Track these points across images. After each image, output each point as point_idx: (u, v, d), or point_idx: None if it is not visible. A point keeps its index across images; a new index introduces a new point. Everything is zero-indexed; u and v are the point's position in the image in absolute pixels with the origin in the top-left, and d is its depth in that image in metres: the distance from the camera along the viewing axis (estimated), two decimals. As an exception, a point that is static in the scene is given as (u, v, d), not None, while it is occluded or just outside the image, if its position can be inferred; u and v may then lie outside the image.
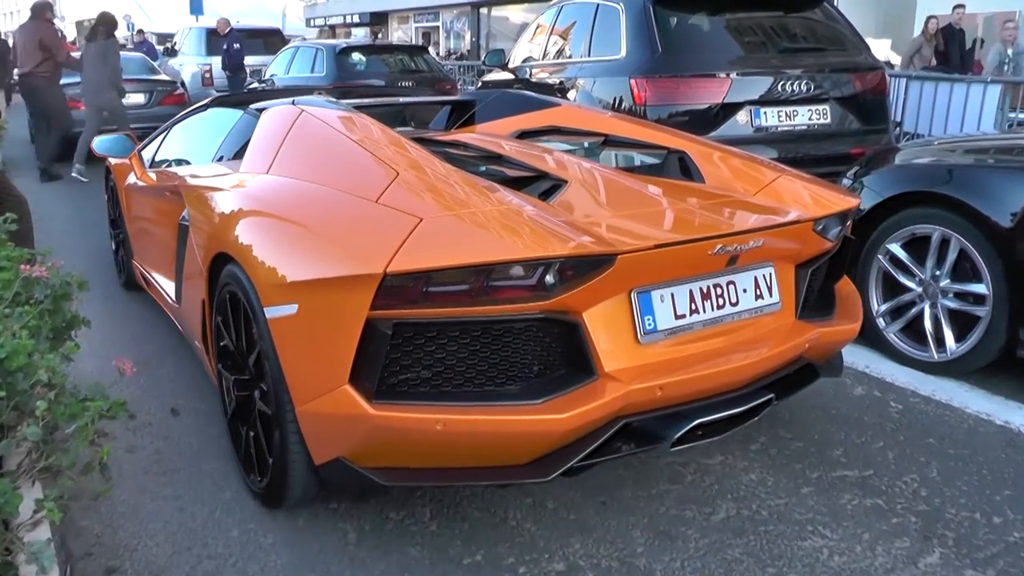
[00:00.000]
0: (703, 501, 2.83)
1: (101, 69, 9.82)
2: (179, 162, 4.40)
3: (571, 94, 6.44)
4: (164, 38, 24.30)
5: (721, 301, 2.61)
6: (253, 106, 3.83)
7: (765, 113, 5.64)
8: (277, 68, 12.61)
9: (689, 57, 5.72)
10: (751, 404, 2.58)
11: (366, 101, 4.38)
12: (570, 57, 6.91)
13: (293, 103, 3.41)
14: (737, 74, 5.59)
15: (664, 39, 5.73)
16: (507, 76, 8.12)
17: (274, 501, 2.80)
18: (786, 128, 5.69)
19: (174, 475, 3.10)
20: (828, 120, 5.80)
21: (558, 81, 6.79)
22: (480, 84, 9.57)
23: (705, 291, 2.58)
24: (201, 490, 2.98)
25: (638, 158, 3.57)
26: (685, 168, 3.32)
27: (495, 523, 2.73)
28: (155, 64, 13.57)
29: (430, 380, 2.32)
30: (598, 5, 6.48)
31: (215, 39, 14.54)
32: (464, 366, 2.33)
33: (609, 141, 3.70)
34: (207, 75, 14.01)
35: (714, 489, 2.89)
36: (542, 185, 2.90)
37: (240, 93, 4.62)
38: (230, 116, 4.15)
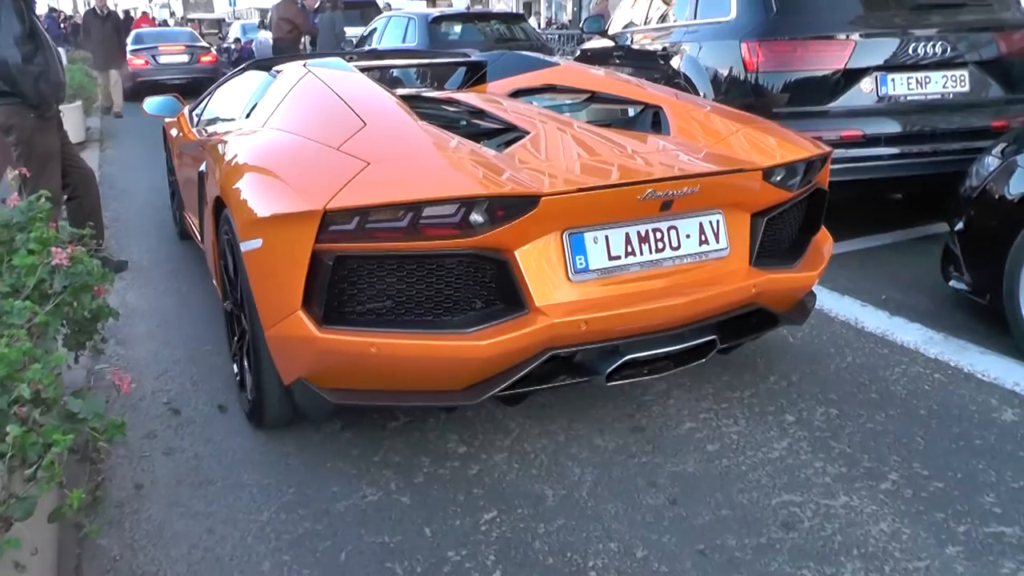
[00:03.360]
0: (824, 557, 2.29)
1: (331, 34, 12.62)
2: (216, 120, 4.55)
3: (675, 61, 5.85)
4: (264, 12, 24.69)
5: (660, 245, 2.70)
6: (275, 68, 4.10)
7: (892, 80, 4.94)
8: (369, 39, 12.29)
9: (807, 17, 5.06)
10: (689, 344, 2.73)
11: (378, 63, 4.91)
12: (675, 21, 6.31)
13: (304, 65, 3.68)
14: (861, 35, 4.89)
15: (780, -4, 5.09)
16: (607, 43, 7.56)
17: (257, 420, 3.07)
18: (916, 97, 4.98)
19: (210, 487, 2.75)
20: (966, 88, 5.05)
21: (661, 47, 6.21)
22: (579, 53, 9.01)
23: (643, 235, 2.68)
24: (236, 508, 2.62)
25: (616, 112, 3.73)
26: (657, 122, 3.43)
27: (572, 572, 2.27)
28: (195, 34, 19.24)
29: (373, 309, 2.54)
30: (706, -38, 5.87)
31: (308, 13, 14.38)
32: (403, 297, 2.54)
33: (595, 98, 3.91)
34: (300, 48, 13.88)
35: (836, 541, 2.35)
36: (507, 136, 3.12)
37: (274, 58, 5.02)
38: (259, 78, 4.31)
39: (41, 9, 24.81)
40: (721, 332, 2.81)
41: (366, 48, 12.03)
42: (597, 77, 4.11)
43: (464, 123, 3.41)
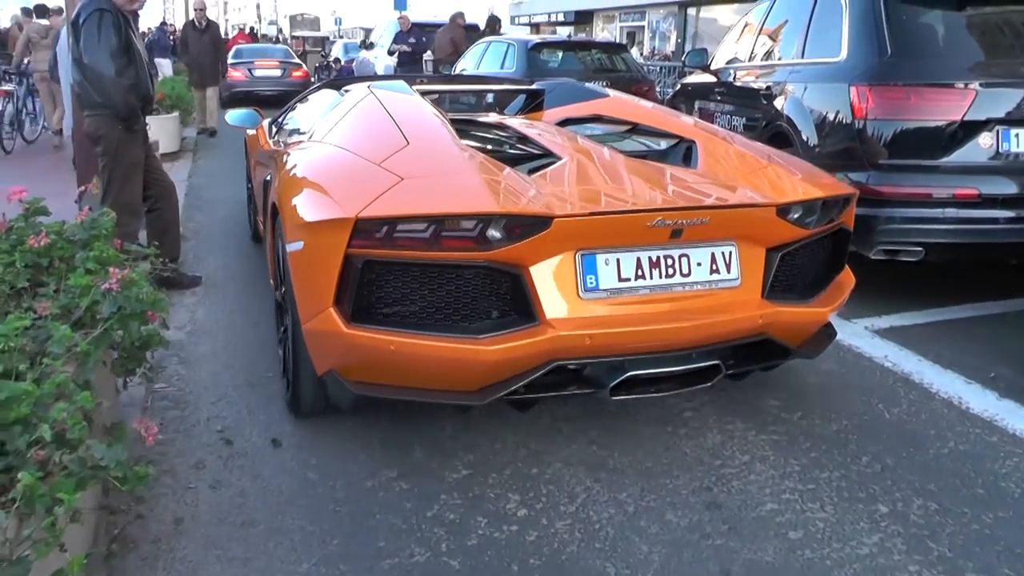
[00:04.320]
0: None
1: None
2: (288, 133, 4.72)
3: (778, 102, 5.57)
4: (369, 32, 25.23)
5: (671, 271, 2.84)
6: (344, 88, 4.45)
7: (1016, 136, 4.53)
8: (468, 63, 12.24)
9: (924, 62, 4.71)
10: (692, 366, 2.86)
11: (434, 87, 5.18)
12: (780, 59, 6.04)
13: (368, 87, 3.94)
14: (982, 84, 4.51)
15: (895, 39, 4.73)
16: (709, 78, 7.31)
17: (295, 408, 3.31)
18: (1042, 157, 4.57)
19: (251, 529, 2.61)
20: (1102, 148, 4.62)
21: (764, 86, 5.93)
22: (679, 87, 8.77)
23: (654, 260, 2.82)
24: (276, 555, 2.47)
25: (652, 144, 3.80)
26: (689, 155, 3.51)
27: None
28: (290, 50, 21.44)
29: (397, 311, 2.74)
30: (817, -1, 5.58)
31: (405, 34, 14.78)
32: (424, 302, 2.73)
33: (636, 129, 4.06)
34: (398, 69, 14.03)
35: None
36: (540, 161, 3.26)
37: (346, 78, 5.57)
38: (330, 96, 4.60)
39: (155, 21, 25.48)
40: (731, 358, 2.99)
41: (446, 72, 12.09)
42: (642, 110, 4.35)
43: (506, 147, 3.62)
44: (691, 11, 28.15)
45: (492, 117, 4.48)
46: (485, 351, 2.63)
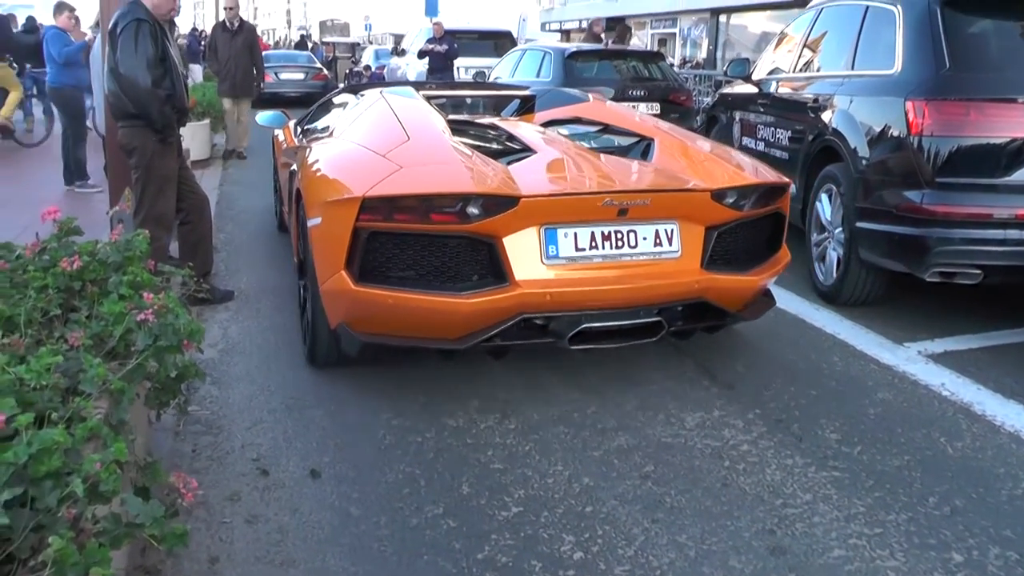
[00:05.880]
0: None
1: None
2: (310, 131, 5.20)
3: (826, 115, 5.37)
4: (399, 38, 25.40)
5: (620, 243, 3.41)
6: (360, 92, 5.15)
7: (1086, 156, 4.30)
8: (502, 71, 12.12)
9: (985, 75, 4.49)
10: (637, 320, 3.47)
11: (439, 92, 5.68)
12: (828, 71, 5.83)
13: (380, 92, 4.67)
14: (1049, 100, 4.30)
15: (954, 51, 4.50)
16: (750, 89, 7.12)
17: (311, 358, 3.93)
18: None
19: (291, 569, 2.48)
20: None
21: (811, 98, 5.73)
22: (717, 96, 8.58)
23: (606, 234, 3.40)
24: (315, 602, 2.33)
25: (618, 141, 4.41)
26: (647, 150, 4.13)
27: None
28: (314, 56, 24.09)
29: (395, 272, 3.35)
30: (867, 8, 5.34)
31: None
32: (418, 265, 3.34)
33: (607, 128, 4.68)
34: (429, 76, 13.97)
35: None
36: (519, 155, 3.90)
37: (364, 83, 6.19)
38: (349, 99, 5.27)
39: (185, 27, 25.50)
40: (677, 319, 3.59)
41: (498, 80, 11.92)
42: (614, 113, 4.98)
43: (492, 142, 4.25)
44: (722, 18, 27.88)
45: (487, 118, 5.08)
46: (462, 304, 3.23)
